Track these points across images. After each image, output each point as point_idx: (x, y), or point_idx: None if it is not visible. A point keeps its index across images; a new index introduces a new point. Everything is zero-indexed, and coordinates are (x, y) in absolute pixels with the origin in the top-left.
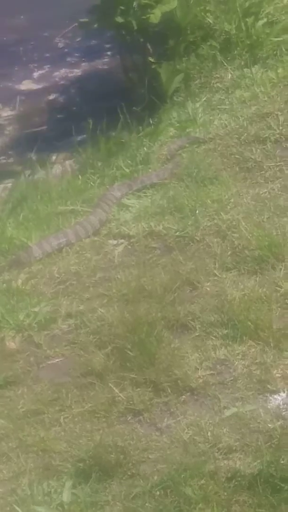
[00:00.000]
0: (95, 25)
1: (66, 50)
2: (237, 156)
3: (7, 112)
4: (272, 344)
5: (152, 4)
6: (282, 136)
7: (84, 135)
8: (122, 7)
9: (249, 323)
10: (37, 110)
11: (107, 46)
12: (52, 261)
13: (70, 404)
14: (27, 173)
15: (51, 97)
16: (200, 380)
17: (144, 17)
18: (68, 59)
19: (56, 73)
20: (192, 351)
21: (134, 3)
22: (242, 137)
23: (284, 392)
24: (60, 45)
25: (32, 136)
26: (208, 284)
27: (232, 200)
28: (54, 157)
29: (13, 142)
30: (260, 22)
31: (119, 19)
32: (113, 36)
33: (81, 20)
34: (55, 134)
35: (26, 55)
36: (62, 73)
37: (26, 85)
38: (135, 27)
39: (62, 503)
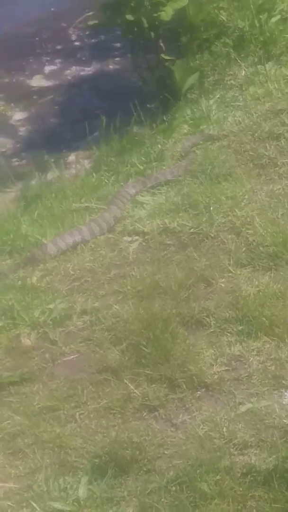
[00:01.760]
0: (105, 25)
1: (78, 44)
2: (251, 153)
3: (20, 113)
4: (287, 340)
5: (163, 2)
6: None
7: (98, 133)
8: (133, 5)
9: (264, 319)
10: (50, 109)
11: (118, 44)
12: (67, 258)
13: (86, 401)
14: (41, 172)
15: (64, 95)
16: (215, 376)
17: (155, 14)
18: (80, 56)
19: (68, 71)
20: (207, 347)
21: (146, 1)
22: (256, 134)
23: None
24: (73, 37)
25: (46, 136)
26: (223, 280)
27: (246, 197)
28: (69, 156)
29: (26, 143)
30: (274, 19)
31: (130, 17)
32: (124, 34)
33: (91, 20)
34: (69, 133)
35: (41, 47)
36: (74, 71)
37: (37, 81)
38: (146, 25)
39: (78, 498)
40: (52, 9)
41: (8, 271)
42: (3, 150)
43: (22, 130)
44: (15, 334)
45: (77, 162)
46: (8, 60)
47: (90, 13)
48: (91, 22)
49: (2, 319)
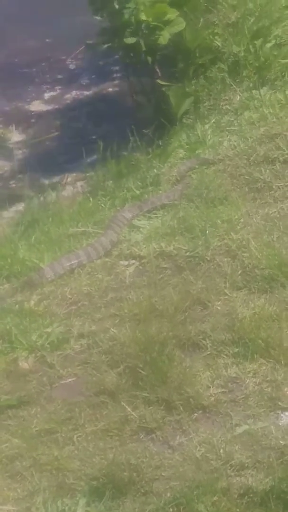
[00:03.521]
0: (104, 47)
1: (76, 71)
2: (246, 177)
3: (17, 135)
4: (283, 362)
5: (161, 26)
6: None
7: (95, 157)
8: (130, 29)
9: (260, 341)
10: (47, 133)
11: (117, 68)
12: (64, 282)
13: (83, 423)
14: (39, 196)
15: (62, 119)
16: (212, 398)
17: (152, 38)
18: (79, 81)
19: (67, 95)
20: (203, 369)
21: (143, 25)
22: (251, 158)
23: None
24: (72, 66)
25: (42, 159)
26: (219, 303)
27: (241, 220)
28: (65, 180)
29: (24, 166)
30: (269, 45)
31: (129, 40)
32: (122, 58)
33: (89, 42)
34: (66, 156)
35: (38, 76)
36: (73, 95)
37: (37, 106)
38: (144, 48)
39: None
40: (47, 40)
41: (6, 295)
42: (1, 172)
43: (20, 153)
44: (13, 358)
45: (74, 185)
46: (6, 88)
47: (89, 42)
48: (89, 42)
49: (0, 343)
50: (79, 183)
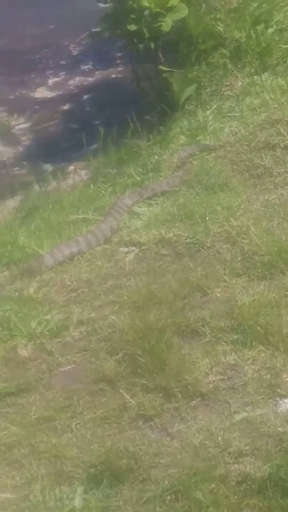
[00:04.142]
0: (107, 34)
1: (80, 57)
2: (247, 163)
3: (21, 122)
4: (282, 349)
5: (163, 13)
6: None
7: (96, 144)
8: (133, 16)
9: (259, 328)
10: (51, 120)
11: (120, 54)
12: (64, 269)
13: (82, 411)
14: (39, 183)
15: (65, 106)
16: (211, 385)
17: (155, 25)
18: (82, 66)
19: (71, 81)
20: (202, 356)
21: (146, 12)
22: (252, 144)
23: None
24: (75, 52)
25: (46, 146)
26: (218, 290)
27: (242, 207)
28: (67, 166)
29: (27, 153)
30: (270, 30)
31: (132, 27)
32: (125, 44)
33: (93, 30)
34: (69, 143)
35: (42, 62)
36: (77, 81)
37: (41, 93)
38: (147, 35)
39: (74, 508)
40: (51, 26)
41: (5, 283)
42: (4, 159)
43: (24, 140)
44: (12, 345)
45: (75, 172)
46: (11, 75)
47: (93, 30)
48: (93, 30)
49: None
50: (82, 170)
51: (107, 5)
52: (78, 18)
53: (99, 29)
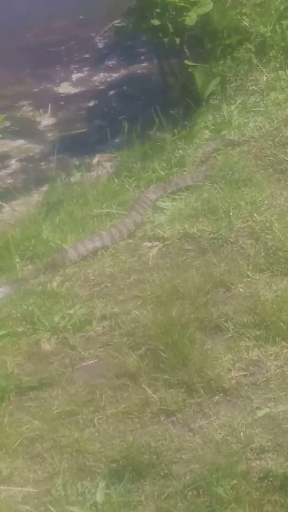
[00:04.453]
0: (130, 28)
1: (105, 51)
2: (271, 158)
3: (47, 118)
4: None
5: (188, 7)
6: None
7: (120, 138)
8: (157, 10)
9: (282, 324)
10: (76, 115)
11: (144, 49)
12: (87, 264)
13: (104, 405)
14: (64, 177)
15: (90, 101)
16: (233, 381)
17: (179, 19)
18: (106, 61)
19: (96, 76)
20: (225, 352)
21: (170, 6)
22: (277, 139)
23: None
24: (100, 45)
25: (72, 141)
26: (241, 285)
27: (266, 202)
28: (92, 160)
29: (53, 148)
30: None
31: (155, 22)
32: (150, 39)
33: (117, 24)
34: (94, 138)
35: (67, 55)
36: (101, 76)
37: (65, 88)
38: (171, 30)
39: (96, 503)
40: (81, 17)
41: (29, 277)
42: (31, 154)
43: (49, 135)
44: (35, 339)
45: (100, 166)
46: (36, 68)
47: (117, 22)
48: (116, 24)
49: (23, 324)
50: (107, 164)
51: None
52: (108, 9)
53: (122, 24)
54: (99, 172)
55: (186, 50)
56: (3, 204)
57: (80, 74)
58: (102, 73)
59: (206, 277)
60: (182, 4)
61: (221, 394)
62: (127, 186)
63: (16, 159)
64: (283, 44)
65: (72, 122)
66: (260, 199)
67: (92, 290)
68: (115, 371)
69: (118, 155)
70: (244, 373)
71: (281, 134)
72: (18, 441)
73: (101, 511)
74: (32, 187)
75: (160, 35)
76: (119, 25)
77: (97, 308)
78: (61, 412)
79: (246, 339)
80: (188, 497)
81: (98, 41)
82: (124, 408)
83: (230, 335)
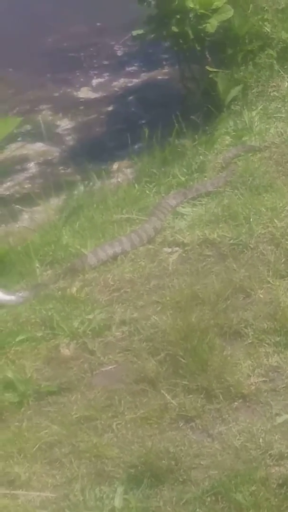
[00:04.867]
0: (151, 36)
1: (125, 58)
2: None
3: (66, 122)
4: None
5: (208, 14)
6: None
7: (141, 144)
8: (178, 17)
9: None
10: (95, 120)
11: (165, 55)
12: (107, 269)
13: (123, 411)
14: (84, 183)
15: (110, 106)
16: (252, 387)
17: (200, 26)
18: (127, 67)
19: (116, 82)
20: (244, 358)
21: (191, 13)
22: None
23: None
24: (119, 52)
25: (91, 146)
26: (261, 291)
27: (286, 208)
28: (112, 165)
29: (72, 152)
30: None
31: (175, 29)
32: (171, 45)
33: (136, 32)
34: (114, 143)
35: (87, 61)
36: (122, 82)
37: (85, 93)
38: (192, 37)
39: (114, 508)
40: (98, 24)
41: (49, 282)
42: (50, 158)
43: (69, 140)
44: (55, 344)
45: (120, 171)
46: (55, 73)
47: (136, 30)
48: (136, 32)
49: (42, 329)
50: (127, 170)
51: (150, 6)
52: (126, 17)
53: (142, 31)
54: (119, 178)
55: (208, 56)
56: (22, 209)
57: (100, 80)
58: (122, 79)
59: (226, 283)
60: (202, 11)
61: (240, 400)
62: (147, 191)
63: (35, 162)
64: None
65: (91, 127)
66: (281, 205)
67: (112, 295)
68: (134, 376)
69: (138, 160)
70: (264, 379)
71: None
72: (37, 445)
73: None
74: (51, 192)
75: (180, 42)
76: (138, 33)
77: (116, 313)
78: (79, 417)
79: (266, 345)
80: (207, 503)
81: (117, 48)
82: (143, 413)
83: (250, 341)
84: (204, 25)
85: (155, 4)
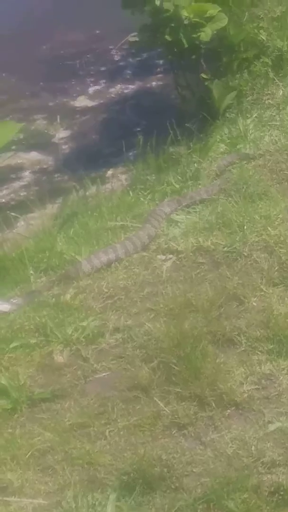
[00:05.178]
0: (145, 45)
1: (121, 64)
2: (286, 172)
3: (61, 130)
4: None
5: (203, 23)
6: None
7: (135, 151)
8: (172, 25)
9: None
10: (91, 127)
11: (161, 62)
12: (101, 276)
13: (116, 418)
14: (78, 190)
15: (105, 113)
16: (245, 395)
17: (194, 35)
18: (123, 74)
19: (112, 89)
20: (237, 365)
21: (185, 21)
22: None
23: None
24: (116, 58)
25: (86, 153)
26: (255, 299)
27: (280, 216)
28: (107, 172)
29: (67, 159)
30: None
31: (169, 38)
32: (165, 54)
33: (132, 39)
34: (109, 151)
35: (83, 68)
36: (117, 89)
37: (81, 101)
38: (186, 45)
39: None
40: (97, 31)
41: (43, 289)
42: (45, 166)
43: (64, 147)
44: (48, 351)
45: (115, 178)
46: (52, 81)
47: (134, 35)
48: (132, 39)
49: (36, 336)
50: (122, 176)
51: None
52: (122, 24)
53: (137, 39)
54: (114, 185)
55: (203, 63)
56: (17, 216)
57: (96, 87)
58: (118, 85)
59: (219, 290)
60: (196, 19)
61: (233, 408)
62: (141, 199)
63: (30, 171)
64: None
65: (87, 134)
66: (275, 213)
67: (106, 302)
68: (127, 383)
69: (133, 167)
70: (256, 387)
71: None
72: (30, 452)
73: None
74: (47, 200)
75: (175, 50)
76: (135, 39)
77: (110, 320)
78: (73, 424)
79: (259, 353)
80: (199, 511)
81: (114, 54)
82: (136, 420)
83: (243, 349)
84: (198, 34)
85: (149, 13)
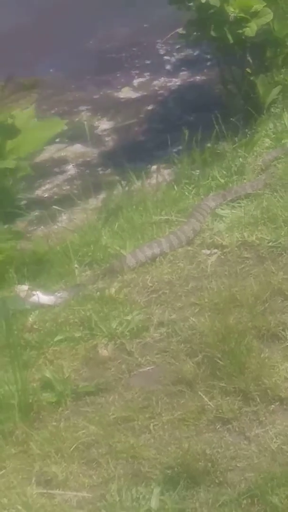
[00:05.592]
0: (191, 40)
1: (166, 57)
2: None
3: (105, 123)
4: None
5: (248, 18)
6: None
7: (180, 145)
8: (217, 21)
9: None
10: (135, 120)
11: (207, 56)
12: (145, 270)
13: (160, 412)
14: (123, 184)
15: (149, 106)
16: None
17: (240, 31)
18: (168, 67)
19: (156, 82)
20: (282, 360)
21: (231, 17)
22: None
23: None
24: (161, 51)
25: (130, 147)
26: None
27: None
28: (151, 166)
29: (111, 153)
30: None
31: (214, 33)
32: (211, 49)
33: (180, 32)
34: (153, 144)
35: (128, 61)
36: (161, 82)
37: (125, 93)
38: (231, 41)
39: (150, 509)
40: (145, 25)
41: (87, 282)
42: (88, 159)
43: (108, 140)
44: (93, 345)
45: (159, 172)
46: (97, 74)
47: (181, 29)
48: (180, 32)
49: (80, 329)
50: (166, 171)
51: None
52: (170, 17)
53: (184, 32)
54: (159, 179)
55: (248, 58)
56: (61, 210)
57: (141, 79)
58: (163, 78)
59: (264, 285)
60: (242, 15)
61: (278, 403)
62: (186, 193)
63: (73, 164)
64: None
65: (131, 127)
66: None
67: (150, 296)
68: (172, 378)
69: (177, 162)
70: None
71: None
72: (74, 445)
73: None
74: (90, 193)
75: (220, 45)
76: (183, 32)
77: (154, 314)
78: (117, 418)
79: None
80: (243, 506)
81: (159, 48)
82: (180, 415)
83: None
84: (243, 29)
85: (195, 8)
